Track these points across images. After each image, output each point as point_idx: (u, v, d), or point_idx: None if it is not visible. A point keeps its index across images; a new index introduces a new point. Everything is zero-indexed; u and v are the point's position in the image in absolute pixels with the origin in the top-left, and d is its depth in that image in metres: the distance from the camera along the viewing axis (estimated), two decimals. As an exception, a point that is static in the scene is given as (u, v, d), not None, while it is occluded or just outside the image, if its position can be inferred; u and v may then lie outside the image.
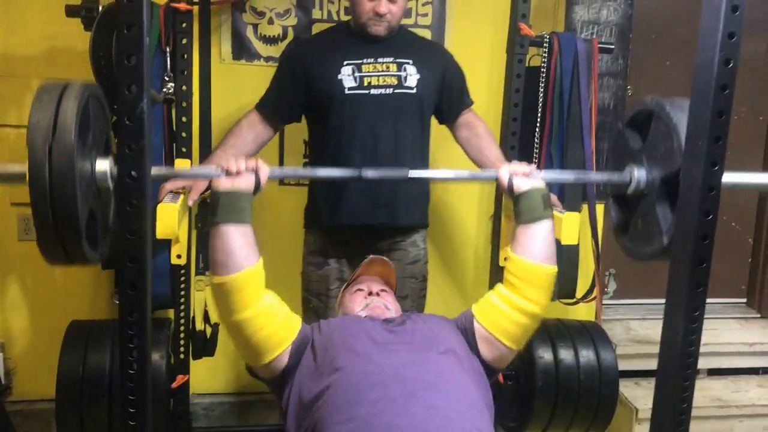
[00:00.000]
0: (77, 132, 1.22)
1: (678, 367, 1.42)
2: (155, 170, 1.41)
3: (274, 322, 1.55)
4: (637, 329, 3.31)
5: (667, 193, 1.57)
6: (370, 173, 1.68)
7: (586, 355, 2.51)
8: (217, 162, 2.16)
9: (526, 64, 2.51)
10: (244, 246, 1.51)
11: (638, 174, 1.63)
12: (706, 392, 3.16)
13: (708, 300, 3.72)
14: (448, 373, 1.53)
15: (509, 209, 2.44)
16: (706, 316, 3.71)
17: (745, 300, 3.72)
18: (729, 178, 1.51)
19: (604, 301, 3.48)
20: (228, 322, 1.54)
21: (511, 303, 1.63)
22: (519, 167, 1.70)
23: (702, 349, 3.41)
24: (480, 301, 1.70)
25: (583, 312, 2.92)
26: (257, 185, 1.57)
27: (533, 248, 1.64)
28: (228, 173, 1.54)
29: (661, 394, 1.49)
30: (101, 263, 2.34)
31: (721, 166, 1.36)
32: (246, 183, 1.54)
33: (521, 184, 1.67)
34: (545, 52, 2.50)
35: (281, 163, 2.90)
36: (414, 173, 1.74)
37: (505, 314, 1.64)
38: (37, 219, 1.22)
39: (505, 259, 2.56)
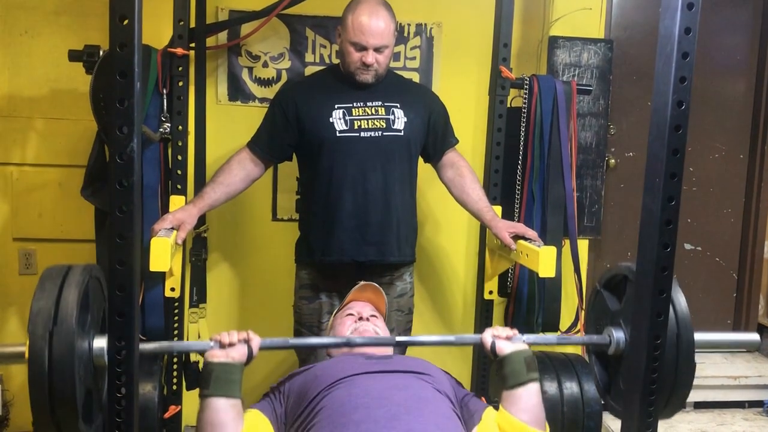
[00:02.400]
0: (77, 318, 1.31)
1: (642, 395, 1.48)
2: (148, 346, 1.51)
3: None
4: (623, 362, 3.35)
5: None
6: (358, 340, 1.75)
7: (570, 386, 2.55)
8: (207, 198, 2.26)
9: (508, 105, 2.61)
10: (233, 420, 1.52)
11: (617, 336, 1.66)
12: (692, 425, 3.20)
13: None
14: (431, 400, 1.59)
15: (494, 244, 2.53)
16: (692, 351, 3.61)
17: (731, 334, 3.75)
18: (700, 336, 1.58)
19: (591, 335, 3.54)
20: None
21: None
22: (502, 331, 1.72)
23: (688, 383, 3.43)
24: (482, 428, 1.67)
25: (569, 345, 2.97)
26: (249, 355, 1.59)
27: (519, 410, 1.63)
28: (221, 345, 1.57)
29: (627, 424, 1.55)
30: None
31: (677, 201, 1.43)
32: (239, 354, 1.56)
33: (504, 348, 1.68)
34: (526, 94, 2.61)
35: (274, 201, 3.00)
36: (401, 339, 1.82)
37: None
38: (34, 399, 1.29)
39: (490, 292, 2.64)
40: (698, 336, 1.55)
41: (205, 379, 1.54)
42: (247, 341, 1.59)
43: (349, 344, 1.73)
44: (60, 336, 1.29)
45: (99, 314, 1.46)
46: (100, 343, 1.39)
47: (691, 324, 1.58)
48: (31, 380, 1.28)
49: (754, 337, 1.77)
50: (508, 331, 1.72)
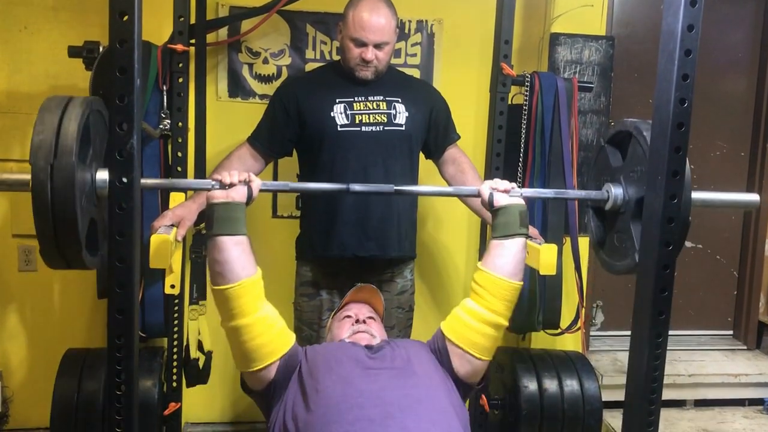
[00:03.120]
0: (78, 144, 1.31)
1: (643, 392, 1.48)
2: (152, 181, 1.50)
3: (269, 333, 1.62)
4: (623, 360, 3.34)
5: (641, 213, 1.63)
6: (357, 187, 1.77)
7: (570, 384, 2.56)
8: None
9: (510, 102, 2.60)
10: (240, 256, 1.57)
11: (615, 192, 1.70)
12: (692, 423, 3.21)
13: (694, 332, 3.79)
14: (425, 397, 1.58)
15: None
16: (693, 348, 3.77)
17: (731, 332, 3.75)
18: (698, 195, 1.57)
19: (592, 333, 3.54)
20: (226, 326, 1.61)
21: (478, 316, 1.70)
22: (500, 183, 1.77)
23: (689, 381, 3.49)
24: (448, 318, 1.77)
25: (570, 343, 2.97)
26: (249, 196, 1.63)
27: (502, 263, 1.71)
28: (222, 185, 1.61)
29: (628, 420, 1.55)
30: (97, 292, 2.43)
31: (680, 199, 1.43)
32: (239, 194, 1.61)
33: (501, 200, 1.74)
34: (527, 91, 2.60)
35: (274, 198, 3.00)
36: (399, 188, 1.82)
37: (473, 327, 1.70)
38: (38, 225, 1.30)
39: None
40: (696, 195, 1.54)
41: (209, 220, 1.58)
42: (247, 182, 1.62)
43: (348, 191, 1.75)
44: (61, 167, 1.29)
45: (101, 147, 1.47)
46: (103, 174, 1.41)
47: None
48: (36, 210, 1.30)
49: (754, 197, 1.75)
50: (506, 185, 1.77)
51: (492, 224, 1.78)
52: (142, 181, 1.41)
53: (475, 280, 1.73)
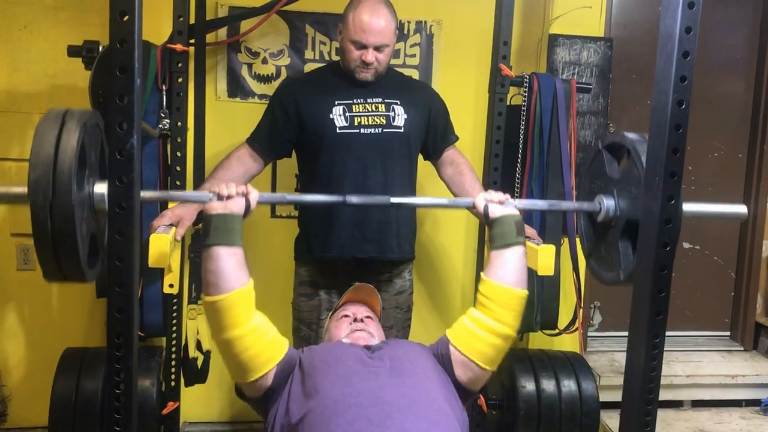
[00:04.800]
0: (76, 159, 1.32)
1: (641, 393, 1.49)
2: (150, 194, 1.50)
3: (262, 343, 1.61)
4: (621, 361, 3.34)
5: (629, 231, 1.64)
6: (354, 199, 1.77)
7: (568, 384, 2.57)
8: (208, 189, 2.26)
9: (508, 103, 2.61)
10: (234, 267, 1.57)
11: (608, 203, 1.71)
12: (689, 423, 3.21)
13: (692, 333, 3.80)
14: (423, 397, 1.58)
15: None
16: (690, 349, 3.78)
17: (728, 333, 3.76)
18: (689, 207, 1.57)
19: (590, 333, 3.55)
20: (218, 339, 1.61)
21: (484, 325, 1.70)
22: (495, 195, 1.79)
23: (686, 381, 3.49)
24: (454, 326, 1.76)
25: (568, 343, 2.98)
26: (247, 208, 1.64)
27: (505, 272, 1.71)
28: (219, 197, 1.61)
29: (626, 420, 1.56)
30: (96, 291, 2.44)
31: (678, 200, 1.43)
32: (237, 206, 1.61)
33: (496, 211, 1.75)
34: (525, 92, 2.61)
35: (273, 196, 3.00)
36: (395, 200, 1.83)
37: (479, 337, 1.70)
38: (37, 240, 1.31)
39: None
40: (687, 207, 1.54)
41: (206, 230, 1.58)
42: (245, 194, 1.63)
43: (345, 203, 1.76)
44: (59, 175, 1.30)
45: (98, 160, 1.48)
46: (101, 189, 1.42)
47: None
48: (34, 217, 1.30)
49: (741, 208, 1.75)
50: (500, 196, 1.79)
51: (489, 235, 1.78)
52: (141, 193, 1.41)
53: (480, 291, 1.73)
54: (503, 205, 1.77)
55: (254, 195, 1.65)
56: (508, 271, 1.71)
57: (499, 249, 1.73)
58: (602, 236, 1.78)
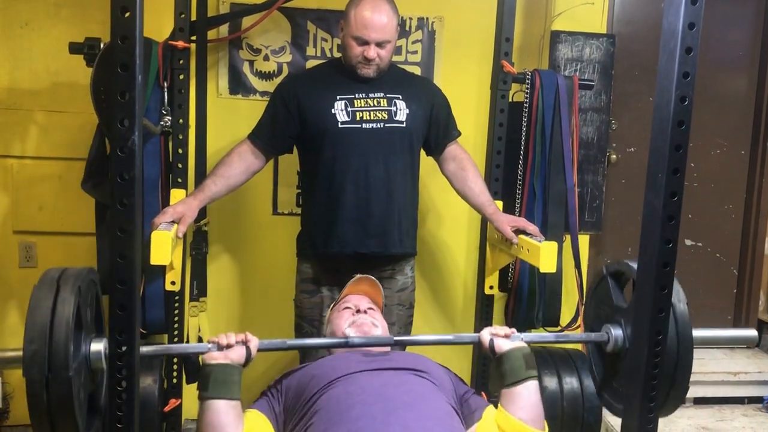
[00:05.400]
0: (72, 329, 1.33)
1: (643, 390, 1.48)
2: (146, 349, 1.51)
3: None
4: (623, 358, 3.35)
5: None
6: (356, 341, 1.73)
7: (570, 382, 2.55)
8: (207, 191, 2.26)
9: (510, 100, 2.61)
10: (233, 422, 1.52)
11: (615, 334, 1.67)
12: (692, 421, 3.21)
13: (694, 330, 3.73)
14: (427, 396, 1.59)
15: (495, 239, 2.53)
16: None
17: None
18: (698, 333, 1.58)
19: (592, 331, 3.54)
20: None
21: None
22: (500, 330, 1.73)
23: (688, 378, 3.43)
24: (489, 418, 1.66)
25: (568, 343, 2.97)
26: (248, 357, 1.59)
27: (520, 410, 1.61)
28: (219, 347, 1.57)
29: (628, 418, 1.55)
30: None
31: (680, 196, 1.43)
32: (237, 355, 1.57)
33: (503, 345, 1.68)
34: (527, 88, 2.60)
35: (275, 195, 3.00)
36: (398, 338, 1.81)
37: None
38: (32, 412, 1.33)
39: (491, 287, 2.64)
40: (697, 333, 1.53)
41: (204, 381, 1.53)
42: (245, 342, 1.59)
43: (348, 344, 1.72)
44: (55, 338, 1.33)
45: (93, 317, 1.48)
46: (97, 347, 1.42)
47: (690, 321, 1.57)
48: (30, 398, 1.33)
49: (752, 333, 1.76)
50: (506, 330, 1.72)
51: (498, 372, 1.70)
52: (141, 349, 1.40)
53: (500, 425, 1.62)
54: (509, 339, 1.70)
55: (254, 343, 1.61)
56: (521, 407, 1.61)
57: (511, 386, 1.63)
58: (613, 368, 1.74)
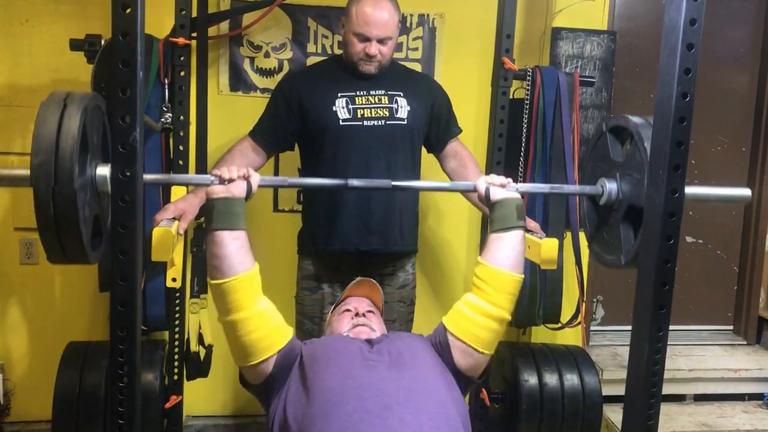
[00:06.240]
0: (78, 143, 1.32)
1: (644, 387, 1.48)
2: (152, 177, 1.51)
3: (265, 328, 1.62)
4: (623, 355, 3.34)
5: (631, 216, 1.66)
6: (355, 182, 1.79)
7: (571, 378, 2.57)
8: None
9: (511, 97, 2.60)
10: (238, 251, 1.57)
11: (610, 187, 1.73)
12: (692, 417, 3.21)
13: (695, 327, 3.79)
14: (423, 389, 1.59)
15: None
16: (693, 343, 3.77)
17: (731, 327, 3.76)
18: (691, 190, 1.55)
19: (592, 327, 3.55)
20: (222, 320, 1.62)
21: (480, 310, 1.70)
22: (496, 178, 1.79)
23: (689, 375, 3.49)
24: (450, 312, 1.76)
25: (570, 337, 2.98)
26: (249, 191, 1.65)
27: (502, 255, 1.71)
28: (221, 180, 1.62)
29: (629, 414, 1.56)
30: (99, 285, 2.44)
31: (681, 193, 1.43)
32: (238, 189, 1.62)
33: (497, 194, 1.76)
34: (528, 85, 2.60)
35: (275, 192, 3.00)
36: (397, 183, 1.84)
37: (475, 321, 1.70)
38: (40, 224, 1.33)
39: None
40: (689, 189, 1.51)
41: (209, 215, 1.59)
42: (246, 177, 1.64)
43: (347, 186, 1.77)
44: (61, 157, 1.32)
45: (100, 142, 1.49)
46: (103, 171, 1.44)
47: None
48: (36, 198, 1.32)
49: (746, 192, 1.76)
50: (502, 179, 1.79)
51: (489, 218, 1.79)
52: (145, 176, 1.41)
53: (476, 274, 1.73)
54: (505, 189, 1.77)
55: (255, 178, 1.66)
56: (506, 254, 1.71)
57: (498, 232, 1.73)
58: (604, 220, 1.80)
